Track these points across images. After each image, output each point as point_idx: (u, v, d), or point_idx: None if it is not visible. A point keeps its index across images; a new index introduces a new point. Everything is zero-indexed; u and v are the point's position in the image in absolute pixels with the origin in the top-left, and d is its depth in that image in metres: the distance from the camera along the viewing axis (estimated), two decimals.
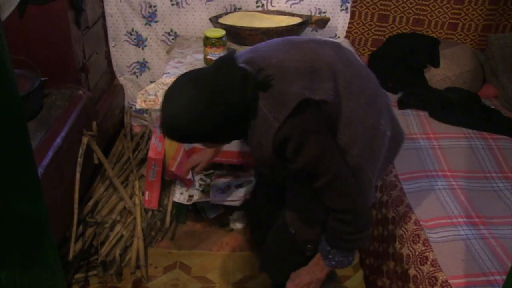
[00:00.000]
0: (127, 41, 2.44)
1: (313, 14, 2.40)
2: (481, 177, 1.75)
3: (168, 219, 2.24)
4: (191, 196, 2.14)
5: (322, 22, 2.38)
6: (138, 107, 1.98)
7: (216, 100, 1.06)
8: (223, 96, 1.06)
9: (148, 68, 2.54)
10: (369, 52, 2.54)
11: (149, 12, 2.37)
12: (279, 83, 1.09)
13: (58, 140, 1.74)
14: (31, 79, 1.83)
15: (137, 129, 2.59)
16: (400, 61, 2.37)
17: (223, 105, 1.07)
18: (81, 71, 2.08)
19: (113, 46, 2.45)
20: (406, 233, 1.55)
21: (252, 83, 1.08)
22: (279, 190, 1.47)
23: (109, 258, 2.00)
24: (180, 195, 2.15)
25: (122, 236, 2.02)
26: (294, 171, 1.15)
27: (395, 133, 1.34)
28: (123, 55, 2.49)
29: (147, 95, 1.96)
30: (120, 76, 2.56)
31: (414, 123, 2.07)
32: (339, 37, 2.51)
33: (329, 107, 1.13)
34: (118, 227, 2.03)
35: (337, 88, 1.14)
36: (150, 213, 2.11)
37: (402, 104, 2.19)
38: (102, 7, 2.32)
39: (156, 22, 2.40)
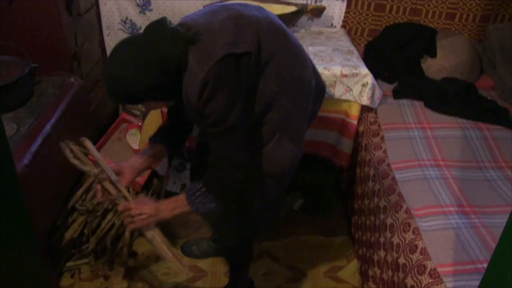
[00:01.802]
0: (121, 29, 2.42)
1: (308, 3, 2.37)
2: (475, 166, 1.73)
3: None
4: (184, 185, 2.13)
5: (318, 11, 2.35)
6: None
7: (150, 56, 1.15)
8: (156, 51, 1.15)
9: None
10: (365, 42, 2.51)
11: (143, 0, 2.35)
12: (206, 38, 1.18)
13: (48, 126, 1.73)
14: (21, 66, 1.81)
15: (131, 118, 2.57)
16: (397, 51, 2.35)
17: (157, 60, 1.15)
18: (73, 59, 2.06)
19: (107, 35, 2.43)
20: (397, 222, 1.54)
21: (182, 38, 1.18)
22: None
23: (101, 246, 2.00)
24: (173, 184, 2.14)
25: (113, 224, 2.01)
26: (203, 116, 1.22)
27: (319, 82, 1.48)
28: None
29: None
30: None
31: (408, 112, 2.04)
32: (335, 26, 2.48)
33: (255, 58, 1.21)
34: (109, 216, 2.02)
35: (261, 42, 1.23)
36: None
37: (397, 94, 2.17)
38: None
39: (150, 10, 2.38)
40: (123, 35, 2.44)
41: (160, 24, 1.19)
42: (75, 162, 1.45)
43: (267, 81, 1.26)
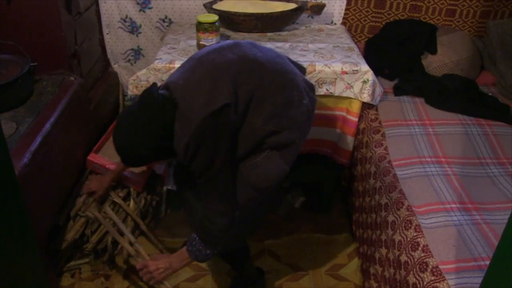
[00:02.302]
0: (121, 28, 2.42)
1: (308, 0, 2.36)
2: (476, 163, 1.72)
3: (163, 207, 2.23)
4: None
5: (318, 8, 2.35)
6: (129, 93, 1.96)
7: (150, 126, 1.28)
8: (154, 121, 1.27)
9: (143, 56, 2.52)
10: (366, 39, 2.51)
11: None
12: (185, 101, 1.26)
13: (47, 125, 1.72)
14: (21, 65, 1.80)
15: None
16: (397, 48, 2.34)
17: (157, 128, 1.28)
18: (73, 57, 2.06)
19: (107, 33, 2.43)
20: (399, 219, 1.53)
21: (170, 103, 1.27)
22: None
23: (101, 246, 1.99)
24: (174, 184, 2.14)
25: (114, 224, 2.00)
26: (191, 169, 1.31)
27: (310, 100, 1.46)
28: (117, 42, 2.46)
29: (139, 80, 1.94)
30: (114, 64, 2.54)
31: (409, 109, 2.04)
32: (335, 24, 2.47)
33: (234, 106, 1.26)
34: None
35: (237, 88, 1.27)
36: (143, 201, 2.09)
37: (398, 91, 2.16)
38: None
39: (150, 8, 2.37)
40: (123, 33, 2.44)
41: (151, 94, 1.29)
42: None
43: (255, 118, 1.31)
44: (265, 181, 1.36)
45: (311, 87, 1.49)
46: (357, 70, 1.99)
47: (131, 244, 1.84)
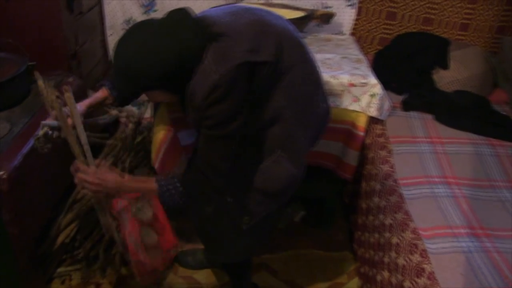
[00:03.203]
0: (124, 29, 2.34)
1: (317, 8, 2.30)
2: (487, 185, 1.64)
3: None
4: None
5: (327, 17, 2.28)
6: None
7: (169, 42, 1.09)
8: (176, 39, 1.10)
9: None
10: (375, 51, 2.44)
11: (148, 1, 2.29)
12: (227, 39, 1.13)
13: None
14: (18, 63, 1.75)
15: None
16: (407, 61, 2.27)
17: (176, 48, 1.09)
18: (73, 58, 2.00)
19: (110, 35, 2.38)
20: (403, 242, 1.45)
21: (203, 32, 1.13)
22: None
23: (93, 253, 1.92)
24: None
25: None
26: (203, 117, 1.16)
27: (327, 107, 1.45)
28: None
29: None
30: None
31: (418, 125, 1.96)
32: (344, 34, 2.41)
33: (271, 69, 1.17)
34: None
35: (282, 54, 1.20)
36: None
37: (406, 106, 2.08)
38: None
39: (155, 11, 2.32)
40: None
41: (184, 12, 1.14)
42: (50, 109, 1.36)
43: (277, 94, 1.23)
44: (274, 185, 1.32)
45: (327, 96, 1.47)
46: (365, 83, 1.92)
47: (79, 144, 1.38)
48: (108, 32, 2.35)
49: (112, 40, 2.38)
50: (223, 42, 1.13)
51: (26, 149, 1.55)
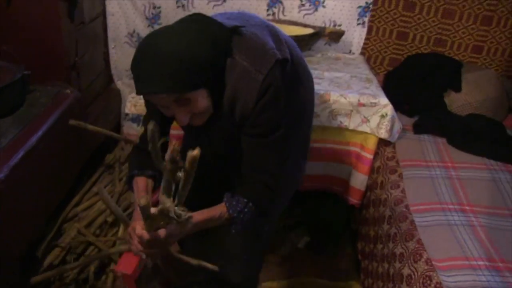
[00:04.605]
0: (127, 42, 2.30)
1: (327, 26, 2.23)
2: (506, 214, 1.53)
3: None
4: None
5: (336, 35, 2.22)
6: (127, 111, 1.82)
7: (203, 32, 1.01)
8: (208, 29, 1.03)
9: None
10: (385, 71, 2.36)
11: (152, 14, 2.24)
12: (250, 34, 1.08)
13: (33, 139, 1.57)
14: (12, 72, 1.67)
15: (134, 137, 2.40)
16: (418, 83, 2.19)
17: (210, 36, 1.02)
18: (72, 69, 1.93)
19: (113, 47, 2.31)
20: (416, 273, 1.34)
21: (227, 28, 1.07)
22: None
23: (83, 276, 1.81)
24: None
25: (100, 251, 1.83)
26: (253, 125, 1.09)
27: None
28: (122, 57, 2.33)
29: (138, 98, 1.80)
30: (118, 80, 2.40)
31: (430, 149, 1.86)
32: (353, 53, 2.33)
33: (288, 68, 1.13)
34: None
35: (292, 56, 1.17)
36: None
37: (418, 128, 1.99)
38: (103, 5, 2.17)
39: (159, 24, 2.26)
40: (129, 49, 2.31)
41: (200, 13, 1.09)
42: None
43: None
44: (293, 188, 1.35)
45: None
46: (375, 103, 1.83)
47: None
48: (111, 44, 2.29)
49: (114, 53, 2.32)
50: (246, 37, 1.08)
51: (13, 161, 1.45)
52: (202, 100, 1.05)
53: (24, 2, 1.70)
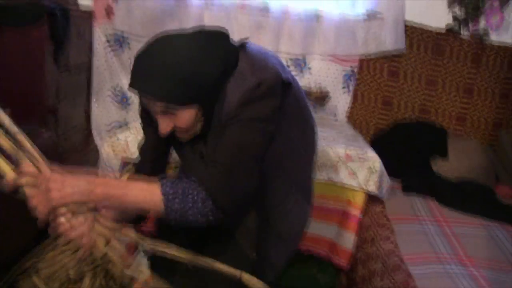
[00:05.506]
0: (110, 96, 2.25)
1: (312, 87, 2.24)
2: (509, 269, 1.40)
3: None
4: None
5: (322, 99, 2.22)
6: (103, 152, 1.71)
7: (209, 46, 1.01)
8: (219, 42, 1.03)
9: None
10: (372, 138, 2.33)
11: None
12: (256, 52, 1.08)
13: None
14: None
15: None
16: (405, 147, 2.16)
17: (221, 50, 1.02)
18: (50, 112, 1.85)
19: (95, 101, 2.26)
20: None
21: (233, 42, 1.07)
22: None
23: None
24: None
25: None
26: (231, 118, 1.02)
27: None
28: (103, 112, 2.28)
29: (116, 139, 1.71)
30: (96, 136, 2.32)
31: (420, 207, 1.78)
32: (337, 120, 2.31)
33: (290, 91, 1.09)
34: (87, 280, 1.61)
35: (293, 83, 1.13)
36: None
37: (406, 188, 1.91)
38: (89, 56, 2.17)
39: None
40: (111, 104, 2.27)
41: (219, 28, 1.07)
42: None
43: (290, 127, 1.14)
44: (295, 229, 1.27)
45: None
46: (363, 158, 1.77)
47: None
48: (93, 97, 2.24)
49: (96, 108, 2.26)
50: (252, 53, 1.07)
51: None
52: (188, 117, 1.02)
53: (10, 38, 1.67)
